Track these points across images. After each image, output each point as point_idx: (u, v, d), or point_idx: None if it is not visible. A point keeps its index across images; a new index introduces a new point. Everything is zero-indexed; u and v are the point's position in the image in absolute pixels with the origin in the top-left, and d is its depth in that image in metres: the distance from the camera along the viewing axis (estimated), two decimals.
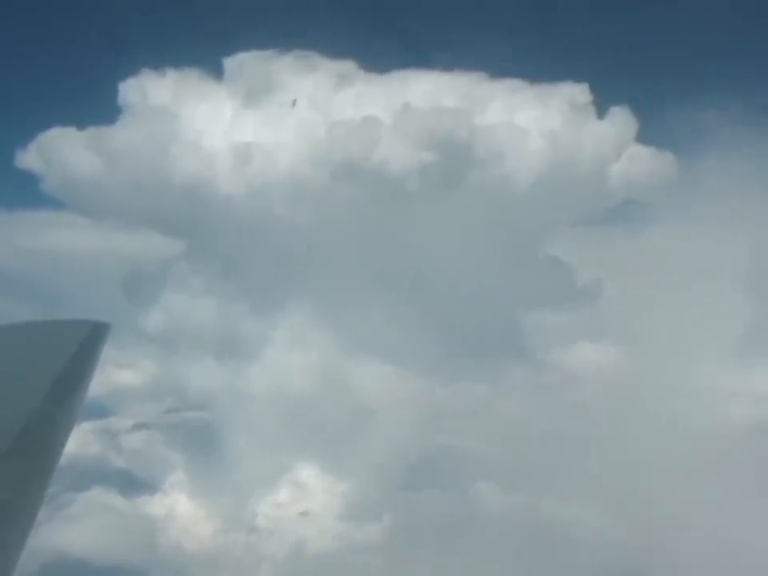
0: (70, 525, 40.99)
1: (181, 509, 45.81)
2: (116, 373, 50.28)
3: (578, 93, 54.75)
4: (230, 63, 57.61)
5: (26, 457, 9.38)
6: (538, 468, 41.99)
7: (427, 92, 55.55)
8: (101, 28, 60.68)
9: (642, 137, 54.58)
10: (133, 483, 47.53)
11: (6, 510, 8.76)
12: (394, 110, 54.83)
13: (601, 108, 54.99)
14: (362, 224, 53.51)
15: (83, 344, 11.44)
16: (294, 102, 52.50)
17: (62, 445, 10.13)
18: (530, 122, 54.05)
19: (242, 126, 56.78)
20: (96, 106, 60.38)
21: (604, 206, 53.07)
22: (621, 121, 54.68)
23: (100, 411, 47.29)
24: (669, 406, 44.13)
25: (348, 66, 56.98)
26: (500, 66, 55.92)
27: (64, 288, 53.82)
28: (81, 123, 58.25)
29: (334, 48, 56.66)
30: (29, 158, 58.14)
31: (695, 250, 47.41)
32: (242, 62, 57.71)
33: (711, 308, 45.75)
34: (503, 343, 49.64)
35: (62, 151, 58.07)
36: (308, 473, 47.24)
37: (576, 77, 55.09)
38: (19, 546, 8.65)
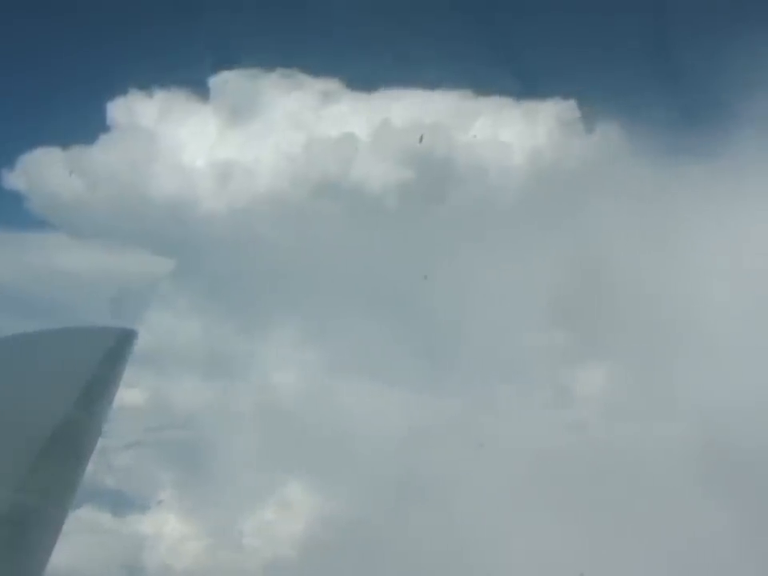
0: (61, 543, 40.72)
1: (169, 527, 45.62)
2: None
3: (566, 109, 55.08)
4: (214, 82, 57.66)
5: (54, 463, 9.47)
6: (525, 489, 41.90)
7: (411, 109, 55.66)
8: (90, 48, 60.36)
9: (632, 152, 54.77)
10: (122, 502, 47.26)
11: (35, 516, 8.87)
12: (376, 127, 55.06)
13: (589, 124, 55.22)
14: (344, 242, 53.55)
15: (111, 350, 11.58)
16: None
17: (90, 451, 10.23)
18: (516, 139, 54.49)
19: (226, 144, 56.75)
20: (83, 126, 59.75)
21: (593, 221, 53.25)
22: (609, 137, 55.03)
23: None
24: (660, 427, 44.00)
25: (333, 85, 56.93)
26: (489, 83, 55.69)
27: (50, 306, 53.47)
28: (66, 143, 57.86)
29: (320, 66, 56.58)
30: (15, 179, 57.89)
31: (687, 264, 47.56)
32: (227, 81, 57.59)
33: (716, 324, 45.22)
34: (491, 362, 49.62)
35: (46, 171, 57.72)
36: (295, 491, 47.13)
37: (565, 93, 55.15)
38: (47, 552, 8.80)
